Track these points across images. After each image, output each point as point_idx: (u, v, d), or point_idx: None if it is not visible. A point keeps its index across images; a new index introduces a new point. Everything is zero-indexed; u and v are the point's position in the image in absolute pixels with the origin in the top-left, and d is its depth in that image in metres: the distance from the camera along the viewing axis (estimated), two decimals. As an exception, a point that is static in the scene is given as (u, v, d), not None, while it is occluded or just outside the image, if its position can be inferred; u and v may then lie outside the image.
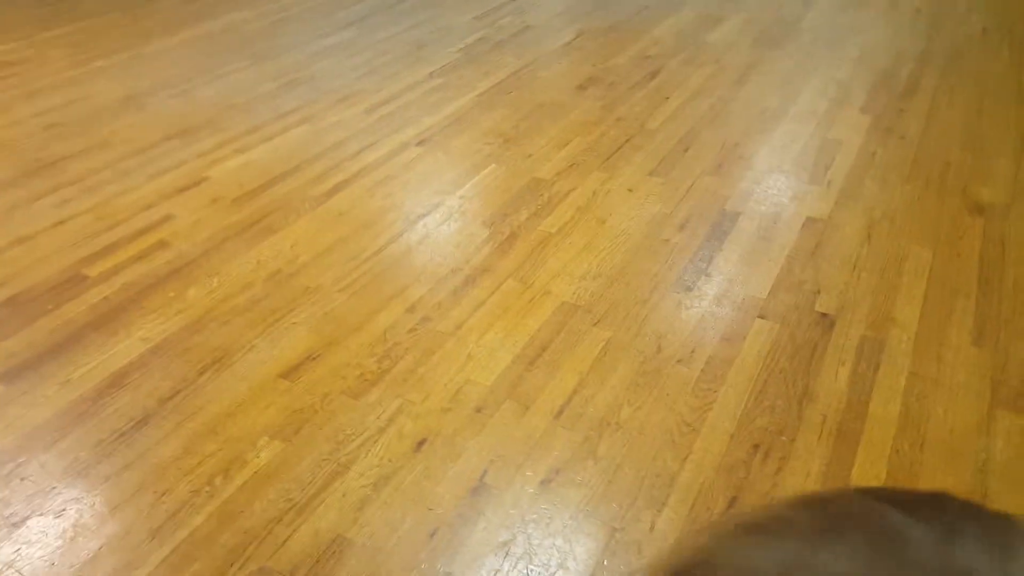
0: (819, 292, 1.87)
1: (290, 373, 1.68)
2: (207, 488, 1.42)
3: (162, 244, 2.15)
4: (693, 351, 1.69)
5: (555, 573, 1.26)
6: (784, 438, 1.48)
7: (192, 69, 3.37)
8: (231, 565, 1.28)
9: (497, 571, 1.26)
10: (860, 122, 2.72)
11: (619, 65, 3.29)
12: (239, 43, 3.69)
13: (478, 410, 1.57)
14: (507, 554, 1.29)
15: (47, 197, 2.40)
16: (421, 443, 1.50)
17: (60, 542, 1.33)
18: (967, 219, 2.13)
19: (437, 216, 2.27)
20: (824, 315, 1.79)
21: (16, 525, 1.36)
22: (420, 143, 2.71)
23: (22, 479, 1.45)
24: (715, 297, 1.87)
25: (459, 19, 3.92)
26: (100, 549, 1.32)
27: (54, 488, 1.43)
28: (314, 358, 1.72)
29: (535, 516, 1.35)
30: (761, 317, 1.78)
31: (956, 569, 0.29)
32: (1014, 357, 1.65)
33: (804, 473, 1.41)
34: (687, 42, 3.50)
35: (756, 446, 1.47)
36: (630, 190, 2.38)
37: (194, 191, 2.41)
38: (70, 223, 2.26)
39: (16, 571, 1.29)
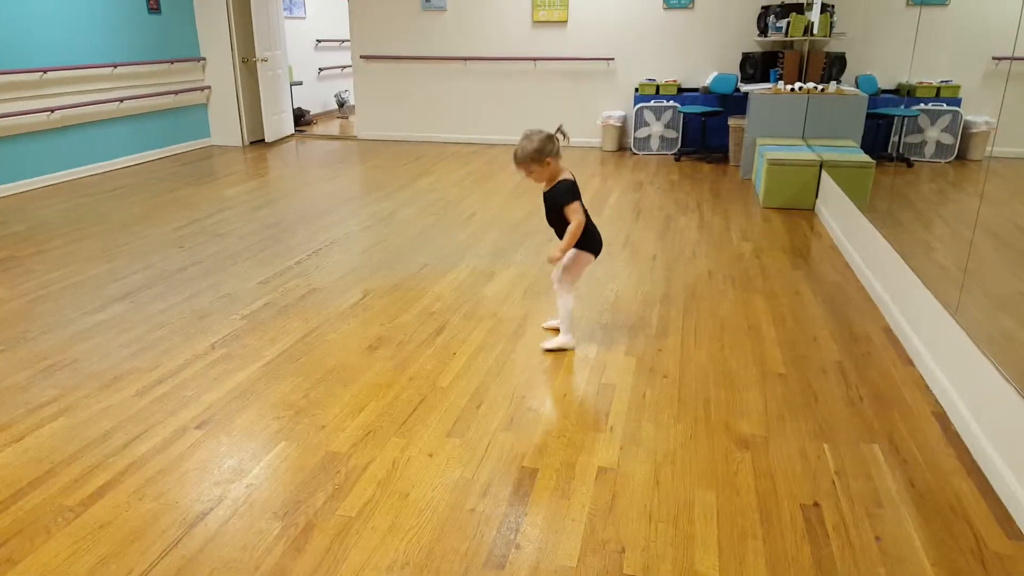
0: (624, 551, 1.90)
1: None
2: None
3: None
4: (513, 645, 1.59)
5: None
6: None
7: (-82, 361, 2.94)
8: None
9: None
10: (627, 365, 3.00)
11: (406, 323, 3.41)
12: (-17, 325, 3.32)
13: None
14: None
15: None
16: None
17: None
18: (736, 454, 2.35)
19: (220, 513, 2.05)
20: (633, 578, 1.80)
21: None
22: (199, 426, 2.52)
23: None
24: (528, 574, 1.82)
25: (243, 285, 3.89)
26: None
27: None
28: None
29: None
30: (575, 591, 1.76)
31: None
32: (804, 596, 1.75)
33: None
34: (466, 297, 3.74)
35: None
36: (430, 455, 2.35)
37: (-94, 521, 1.98)
38: None
39: None
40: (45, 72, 6.19)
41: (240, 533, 1.97)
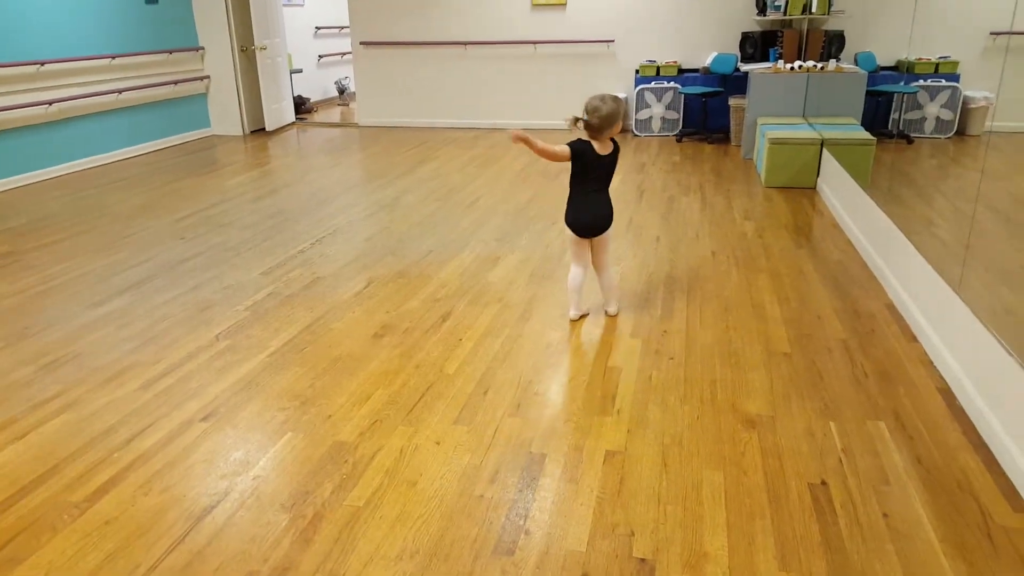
0: (633, 534, 1.90)
1: None
2: None
3: None
4: (524, 630, 1.59)
5: None
6: None
7: (-77, 358, 2.94)
8: None
9: None
10: (633, 347, 2.99)
11: (411, 310, 3.40)
12: (-13, 322, 3.33)
13: None
14: None
15: None
16: None
17: None
18: (743, 434, 2.35)
19: (227, 506, 2.05)
20: (643, 560, 1.80)
21: None
22: (205, 418, 2.52)
23: None
24: (538, 559, 1.82)
25: (246, 276, 3.88)
26: None
27: None
28: None
29: None
30: (585, 575, 1.76)
31: None
32: (814, 576, 1.75)
33: None
34: (472, 283, 3.73)
35: None
36: (437, 443, 2.35)
37: (-85, 520, 1.99)
38: None
39: None
40: (42, 64, 6.15)
41: (248, 526, 1.97)
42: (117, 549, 1.88)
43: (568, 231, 3.15)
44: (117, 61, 6.94)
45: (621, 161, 6.82)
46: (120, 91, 6.97)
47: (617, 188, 5.62)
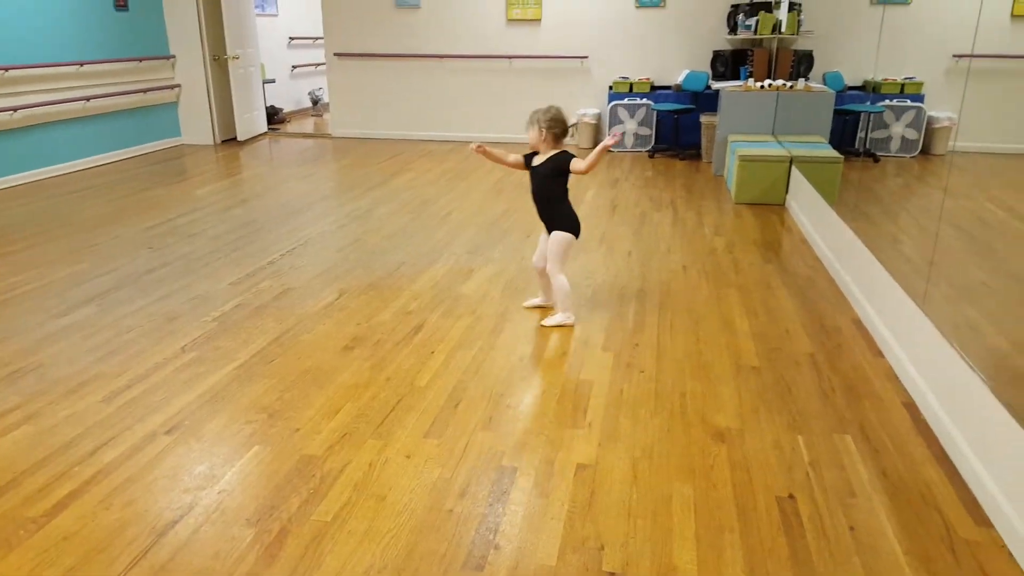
0: (603, 548, 1.89)
1: None
2: None
3: None
4: (492, 646, 1.58)
5: None
6: None
7: None
8: None
9: None
10: (604, 360, 3.00)
11: (383, 322, 3.37)
12: (-57, 332, 3.23)
13: None
14: None
15: None
16: None
17: None
18: (712, 448, 2.36)
19: (190, 521, 2.01)
20: (613, 574, 1.80)
21: None
22: (169, 431, 2.47)
23: None
24: (507, 574, 1.81)
25: (214, 286, 3.83)
26: None
27: None
28: None
29: None
30: (554, 590, 1.75)
31: None
32: (781, 588, 1.76)
33: None
34: (444, 295, 3.72)
35: None
36: (408, 456, 2.33)
37: None
38: None
39: None
40: (7, 70, 6.04)
41: (212, 541, 1.93)
42: (76, 565, 1.83)
43: (573, 239, 3.24)
44: (85, 68, 6.84)
45: (593, 175, 6.94)
46: (88, 98, 6.86)
47: (591, 203, 5.66)
